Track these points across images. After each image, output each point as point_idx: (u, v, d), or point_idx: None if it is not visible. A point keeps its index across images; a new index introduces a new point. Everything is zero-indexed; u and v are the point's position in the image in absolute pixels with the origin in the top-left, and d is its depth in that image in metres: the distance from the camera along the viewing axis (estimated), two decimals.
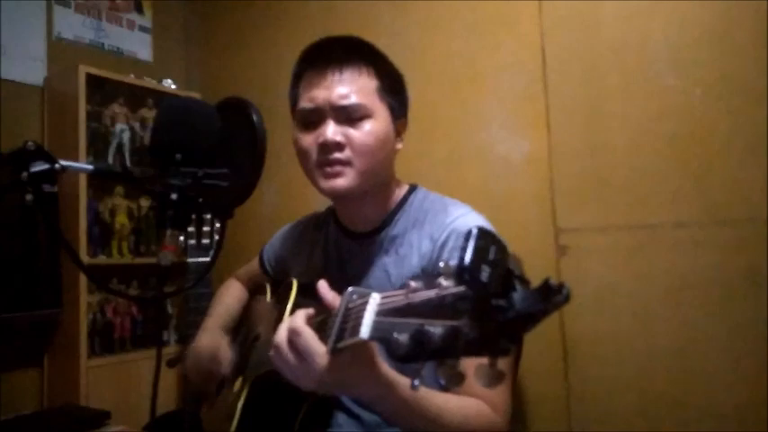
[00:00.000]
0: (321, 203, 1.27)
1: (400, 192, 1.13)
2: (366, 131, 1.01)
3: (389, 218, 1.11)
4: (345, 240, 1.16)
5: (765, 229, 1.30)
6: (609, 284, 1.48)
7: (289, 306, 1.07)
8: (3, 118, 1.92)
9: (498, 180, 1.66)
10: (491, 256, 0.49)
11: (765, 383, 1.28)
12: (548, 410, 1.53)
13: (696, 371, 1.37)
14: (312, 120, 1.04)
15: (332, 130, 1.01)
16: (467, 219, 1.03)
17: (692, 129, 1.40)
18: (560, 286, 0.46)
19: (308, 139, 1.03)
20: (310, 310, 0.78)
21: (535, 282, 0.49)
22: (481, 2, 1.72)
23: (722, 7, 1.37)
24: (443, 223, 1.03)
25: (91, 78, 2.03)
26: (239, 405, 1.06)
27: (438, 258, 1.00)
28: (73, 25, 2.22)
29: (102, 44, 2.31)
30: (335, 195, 1.06)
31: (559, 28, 1.58)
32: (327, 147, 1.00)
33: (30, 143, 0.77)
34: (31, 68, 2.08)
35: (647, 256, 1.44)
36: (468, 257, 0.49)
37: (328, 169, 1.02)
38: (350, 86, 1.02)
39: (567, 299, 0.45)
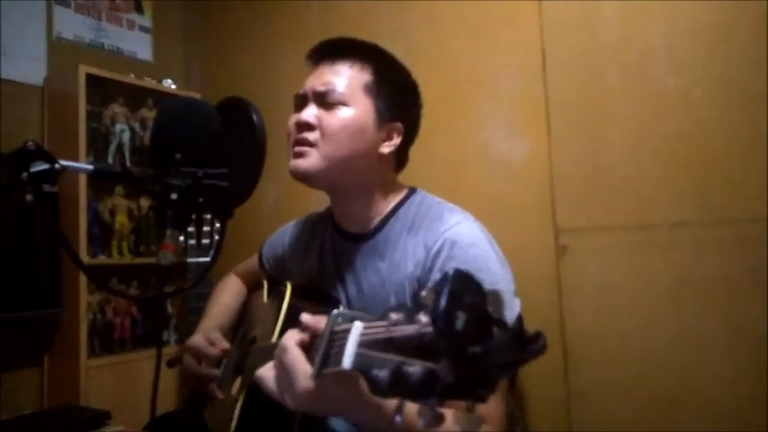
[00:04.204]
0: (321, 203, 1.27)
1: (397, 195, 1.13)
2: (336, 116, 1.04)
3: (384, 221, 1.10)
4: (341, 241, 1.16)
5: (765, 229, 1.30)
6: (609, 284, 1.48)
7: (283, 310, 1.08)
8: (3, 118, 1.92)
9: (498, 180, 1.66)
10: (467, 300, 0.48)
11: (765, 383, 1.28)
12: (548, 411, 1.53)
13: (696, 371, 1.37)
14: (299, 104, 1.09)
15: (307, 112, 1.05)
16: (461, 227, 1.03)
17: (692, 129, 1.40)
18: (536, 336, 0.46)
19: (291, 121, 1.08)
20: (304, 336, 0.78)
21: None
22: (481, 2, 1.72)
23: (722, 7, 1.37)
24: (438, 231, 1.02)
25: (91, 78, 2.03)
26: (238, 407, 1.06)
27: (431, 267, 1.00)
28: (73, 25, 2.22)
29: (102, 44, 2.31)
30: (297, 177, 1.06)
31: (559, 28, 1.58)
32: (300, 126, 1.05)
33: (30, 143, 0.77)
34: (31, 68, 2.08)
35: (647, 256, 1.44)
36: (442, 304, 0.47)
37: (296, 149, 1.05)
38: (335, 76, 1.06)
39: (542, 348, 0.46)
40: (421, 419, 0.50)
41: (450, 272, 0.50)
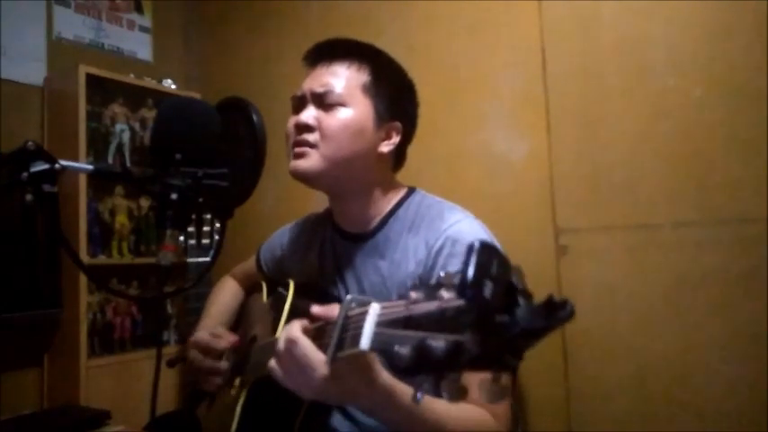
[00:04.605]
0: (320, 204, 1.27)
1: (396, 194, 1.13)
2: (336, 117, 1.04)
3: (384, 220, 1.11)
4: (341, 241, 1.16)
5: (765, 229, 1.30)
6: (609, 284, 1.48)
7: (286, 307, 1.08)
8: (3, 118, 1.92)
9: (498, 180, 1.66)
10: (493, 270, 0.48)
11: (765, 383, 1.28)
12: (548, 411, 1.53)
13: (696, 371, 1.37)
14: (297, 106, 1.09)
15: (306, 113, 1.05)
16: (462, 225, 1.03)
17: (692, 129, 1.40)
18: (564, 302, 0.46)
19: (290, 123, 1.08)
20: (305, 322, 0.78)
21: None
22: (481, 2, 1.72)
23: (722, 7, 1.37)
24: (439, 229, 1.02)
25: (91, 78, 2.02)
26: (239, 407, 1.06)
27: (433, 265, 1.00)
28: (73, 25, 2.22)
29: (102, 44, 2.31)
30: (298, 177, 1.06)
31: (559, 28, 1.58)
32: (299, 128, 1.05)
33: (30, 143, 0.77)
34: (31, 68, 2.08)
35: (647, 256, 1.44)
36: (470, 273, 0.48)
37: (296, 150, 1.06)
38: (332, 77, 1.06)
39: (570, 315, 0.46)
40: (444, 393, 0.50)
41: (477, 244, 0.50)
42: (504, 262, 0.49)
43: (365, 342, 0.58)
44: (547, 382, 1.52)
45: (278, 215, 1.88)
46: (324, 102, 1.05)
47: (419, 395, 0.53)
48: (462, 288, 0.48)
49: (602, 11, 1.52)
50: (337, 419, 1.05)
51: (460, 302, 0.49)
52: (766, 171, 1.31)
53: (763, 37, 1.31)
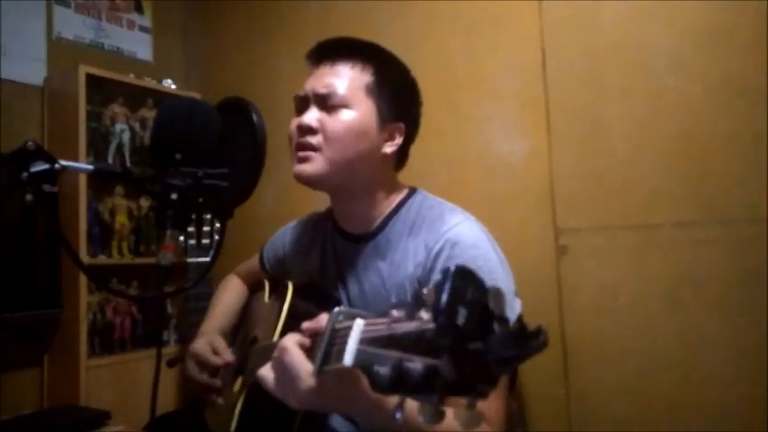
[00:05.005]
0: (320, 204, 1.27)
1: (398, 195, 1.13)
2: (339, 119, 1.03)
3: (385, 221, 1.10)
4: (342, 241, 1.16)
5: (765, 229, 1.30)
6: (609, 284, 1.48)
7: (285, 308, 1.08)
8: (3, 118, 1.92)
9: (498, 180, 1.66)
10: (468, 296, 0.48)
11: (766, 383, 1.28)
12: (548, 411, 1.53)
13: (696, 371, 1.37)
14: (300, 107, 1.08)
15: (309, 116, 1.05)
16: (462, 227, 1.03)
17: (692, 129, 1.40)
18: (537, 331, 0.46)
19: (293, 124, 1.08)
20: (304, 340, 0.78)
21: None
22: (481, 2, 1.72)
23: (722, 7, 1.37)
24: (439, 231, 1.02)
25: (91, 78, 2.02)
26: (238, 407, 1.06)
27: (432, 268, 1.00)
28: (73, 25, 2.22)
29: (102, 44, 2.31)
30: (302, 182, 1.06)
31: (559, 28, 1.58)
32: (302, 130, 1.05)
33: (30, 143, 0.77)
34: (31, 68, 2.08)
35: (647, 256, 1.44)
36: (443, 299, 0.48)
37: (300, 153, 1.05)
38: (335, 77, 1.06)
39: (544, 344, 0.46)
40: (421, 416, 0.50)
41: (452, 268, 0.50)
42: (480, 286, 0.49)
43: (348, 359, 0.59)
44: (547, 382, 1.52)
45: (278, 215, 1.88)
46: (327, 103, 1.04)
47: (398, 415, 0.53)
48: (436, 315, 0.48)
49: (602, 11, 1.52)
50: (337, 420, 1.04)
51: (437, 326, 0.49)
52: (766, 171, 1.31)
53: (763, 37, 1.31)
